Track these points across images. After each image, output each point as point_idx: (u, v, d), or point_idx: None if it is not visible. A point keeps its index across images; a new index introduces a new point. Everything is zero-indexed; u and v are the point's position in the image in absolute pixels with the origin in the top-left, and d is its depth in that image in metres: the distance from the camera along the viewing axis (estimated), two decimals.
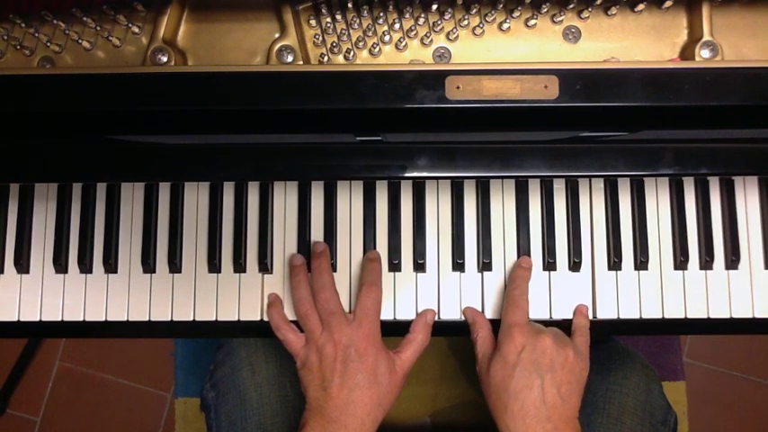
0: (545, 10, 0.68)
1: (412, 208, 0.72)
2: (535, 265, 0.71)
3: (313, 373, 0.66)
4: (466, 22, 0.68)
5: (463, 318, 0.71)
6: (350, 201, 0.73)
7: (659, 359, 1.37)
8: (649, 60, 0.69)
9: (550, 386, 0.63)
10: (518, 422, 0.62)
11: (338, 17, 0.68)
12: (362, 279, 0.70)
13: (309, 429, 0.65)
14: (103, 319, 0.71)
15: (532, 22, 0.68)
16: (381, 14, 0.68)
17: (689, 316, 0.71)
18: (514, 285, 0.69)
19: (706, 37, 0.67)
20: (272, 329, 0.69)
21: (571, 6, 0.68)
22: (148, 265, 0.71)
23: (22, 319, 0.71)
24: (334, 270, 0.71)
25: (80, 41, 0.68)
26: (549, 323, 0.69)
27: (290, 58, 0.68)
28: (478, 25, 0.68)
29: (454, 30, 0.68)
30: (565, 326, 0.70)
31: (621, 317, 0.71)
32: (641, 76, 0.61)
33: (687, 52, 0.68)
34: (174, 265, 0.71)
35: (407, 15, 0.68)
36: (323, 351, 0.66)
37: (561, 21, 0.69)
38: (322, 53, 0.69)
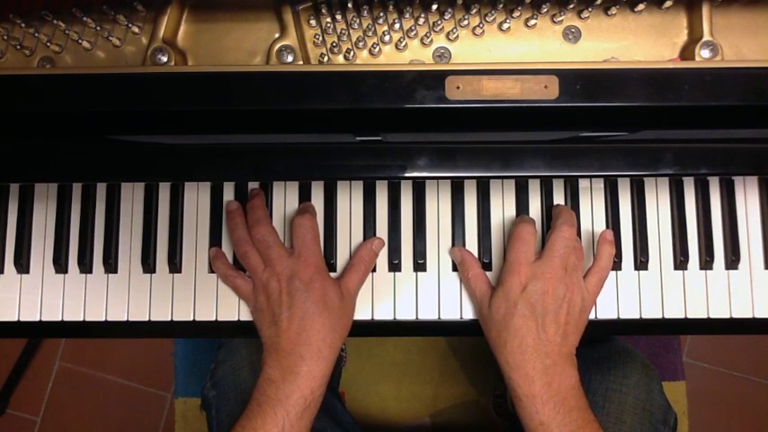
0: (545, 10, 0.68)
1: (412, 208, 0.72)
2: None
3: (263, 312, 0.65)
4: (466, 22, 0.68)
5: (463, 318, 0.71)
6: (350, 201, 0.73)
7: (659, 359, 1.37)
8: (649, 60, 0.69)
9: (550, 325, 0.63)
10: (517, 356, 0.63)
11: (338, 17, 0.68)
12: (295, 215, 0.69)
13: (267, 368, 0.63)
14: (103, 319, 0.71)
15: (532, 22, 0.68)
16: (381, 14, 0.68)
17: (689, 316, 0.71)
18: (521, 227, 0.67)
19: (706, 37, 0.67)
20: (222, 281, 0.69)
21: (571, 6, 0.68)
22: (148, 265, 0.71)
23: (22, 319, 0.71)
24: (335, 270, 0.71)
25: (80, 41, 0.68)
26: None
27: (290, 58, 0.68)
28: (478, 25, 0.68)
29: (454, 30, 0.68)
30: None
31: (621, 317, 0.71)
32: (641, 76, 0.61)
33: (687, 52, 0.68)
34: (174, 265, 0.71)
35: (407, 15, 0.68)
36: (268, 287, 0.65)
37: (561, 21, 0.69)
38: (322, 53, 0.69)
